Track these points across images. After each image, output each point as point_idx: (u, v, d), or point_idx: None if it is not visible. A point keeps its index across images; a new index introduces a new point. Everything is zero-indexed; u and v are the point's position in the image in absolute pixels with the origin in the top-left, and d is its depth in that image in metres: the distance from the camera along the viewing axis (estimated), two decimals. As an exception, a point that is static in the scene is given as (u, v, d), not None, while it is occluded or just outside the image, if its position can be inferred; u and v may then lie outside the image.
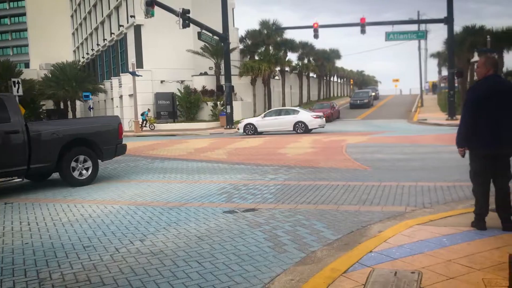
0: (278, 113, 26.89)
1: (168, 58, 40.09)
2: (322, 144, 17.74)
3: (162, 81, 40.49)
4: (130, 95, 38.19)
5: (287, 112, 26.59)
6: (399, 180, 8.80)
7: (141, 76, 36.75)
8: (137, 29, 40.83)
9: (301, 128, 24.95)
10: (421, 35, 38.49)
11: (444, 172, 9.63)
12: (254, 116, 40.16)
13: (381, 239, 4.96)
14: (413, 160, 11.83)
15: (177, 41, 39.09)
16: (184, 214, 6.80)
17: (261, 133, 26.04)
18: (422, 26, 43.06)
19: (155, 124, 36.46)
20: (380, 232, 5.28)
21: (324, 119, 26.35)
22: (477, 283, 3.67)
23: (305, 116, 25.42)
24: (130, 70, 36.14)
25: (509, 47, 37.57)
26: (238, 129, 27.03)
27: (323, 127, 26.01)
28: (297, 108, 27.55)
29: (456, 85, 35.59)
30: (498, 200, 5.11)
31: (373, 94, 57.75)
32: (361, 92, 55.91)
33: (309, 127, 24.98)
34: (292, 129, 25.21)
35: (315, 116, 25.47)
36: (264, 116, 26.79)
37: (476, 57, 39.89)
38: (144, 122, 35.65)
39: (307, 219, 6.22)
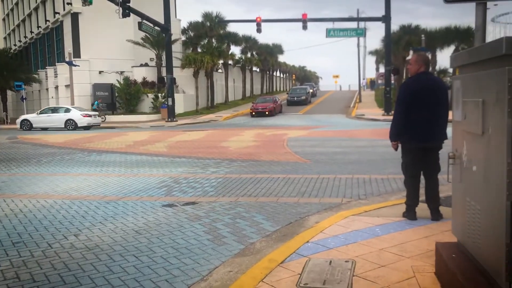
0: (52, 111, 29.62)
1: (107, 48, 38.85)
2: (264, 138, 17.90)
3: (100, 72, 39.20)
4: (67, 86, 36.73)
5: (60, 111, 29.22)
6: (337, 172, 9.06)
7: (79, 66, 35.43)
8: (74, 17, 39.22)
9: (72, 125, 27.78)
10: (360, 33, 39.64)
11: (379, 165, 10.01)
12: (196, 109, 39.92)
13: (318, 229, 5.09)
14: (350, 154, 12.20)
15: (117, 31, 37.95)
16: (122, 208, 6.65)
17: (36, 128, 28.58)
18: (362, 24, 44.35)
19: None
20: (317, 223, 5.41)
21: (98, 118, 29.63)
22: (407, 270, 3.85)
23: (76, 114, 28.16)
24: (67, 59, 34.71)
25: (442, 46, 39.45)
26: (16, 124, 29.57)
27: (99, 125, 29.20)
28: (69, 107, 29.88)
29: (392, 82, 36.94)
30: (428, 192, 5.38)
31: (311, 91, 55.02)
32: (299, 88, 54.47)
33: (79, 125, 27.79)
34: (63, 126, 27.90)
35: (84, 115, 28.24)
36: (40, 113, 29.60)
37: (411, 55, 41.71)
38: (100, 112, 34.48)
39: (247, 211, 6.26)
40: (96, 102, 34.97)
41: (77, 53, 38.46)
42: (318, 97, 58.63)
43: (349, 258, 4.16)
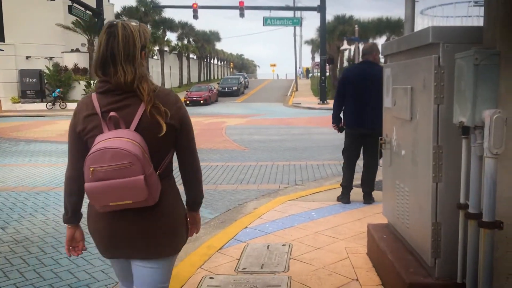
0: None
1: (35, 33, 36.69)
2: (202, 126, 17.76)
3: (28, 57, 37.02)
4: (-10, 72, 34.44)
5: None
6: (274, 159, 9.19)
7: (3, 50, 33.26)
8: (-3, -2, 36.74)
9: None
10: (296, 22, 40.13)
11: (314, 151, 10.26)
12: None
13: (256, 215, 5.15)
14: (287, 141, 12.41)
15: (45, 14, 35.89)
16: (53, 199, 6.38)
17: None
18: (298, 13, 44.94)
19: (21, 104, 33.41)
20: (255, 209, 5.48)
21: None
22: (341, 251, 3.99)
23: None
24: (-11, 43, 32.52)
25: (374, 36, 40.92)
26: None
27: None
28: None
29: (327, 71, 37.85)
30: (363, 176, 5.60)
31: (243, 81, 50.00)
32: (230, 78, 49.72)
33: None
34: None
35: None
36: None
37: (345, 45, 42.88)
38: (58, 100, 32.68)
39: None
40: (58, 90, 33.25)
41: (0, 37, 36.09)
42: (256, 86, 58.93)
43: (286, 242, 4.25)
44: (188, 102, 33.87)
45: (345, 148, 5.64)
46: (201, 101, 33.78)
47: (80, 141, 1.93)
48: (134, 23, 1.95)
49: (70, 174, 2.02)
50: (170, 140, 1.94)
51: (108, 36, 1.85)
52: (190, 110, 30.63)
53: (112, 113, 1.83)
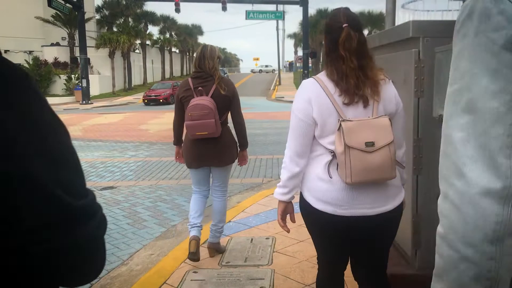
0: None
1: (13, 26, 36.08)
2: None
3: (6, 51, 36.33)
4: (-33, 66, 33.67)
5: None
6: (258, 153, 9.20)
7: (-20, 44, 32.64)
8: (-27, -10, 35.98)
9: None
10: (279, 16, 40.08)
11: (298, 145, 10.29)
12: (112, 91, 38.45)
13: (240, 209, 5.16)
14: (271, 135, 12.43)
15: (24, 7, 35.36)
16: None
17: None
18: (280, 7, 44.87)
19: None
20: (239, 203, 5.49)
21: None
22: (323, 244, 4.02)
23: None
24: (-34, 36, 31.84)
25: (356, 30, 41.25)
26: None
27: None
28: None
29: (310, 65, 37.94)
30: None
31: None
32: None
33: None
34: None
35: None
36: None
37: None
38: None
39: (168, 194, 6.20)
40: None
41: (-23, 30, 35.39)
42: (238, 80, 58.81)
43: (269, 235, 4.27)
44: (146, 101, 28.84)
45: None
46: (161, 100, 28.29)
47: (180, 103, 3.61)
48: (215, 46, 3.66)
49: (176, 119, 3.72)
50: (227, 104, 3.56)
51: (203, 48, 3.62)
52: (155, 108, 30.28)
53: (199, 88, 3.50)
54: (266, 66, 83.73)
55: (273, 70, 72.85)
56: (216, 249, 3.84)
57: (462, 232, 0.78)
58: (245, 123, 3.76)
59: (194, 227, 3.65)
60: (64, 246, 0.70)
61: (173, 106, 4.17)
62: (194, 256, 3.53)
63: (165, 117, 19.30)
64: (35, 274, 0.73)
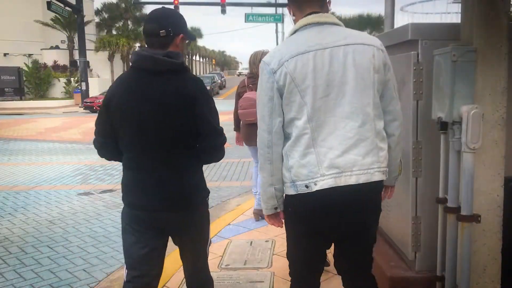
0: None
1: (13, 29, 36.07)
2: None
3: (5, 54, 36.39)
4: (-34, 69, 33.69)
5: None
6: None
7: (-20, 47, 32.66)
8: (-28, -7, 35.97)
9: None
10: (278, 19, 40.10)
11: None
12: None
13: (239, 212, 5.16)
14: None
15: (23, 11, 35.34)
16: (34, 198, 6.29)
17: None
18: (280, 10, 44.90)
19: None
20: (238, 205, 5.49)
21: None
22: (323, 246, 4.02)
23: None
24: (-35, 40, 31.83)
25: (354, 34, 41.30)
26: None
27: None
28: None
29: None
30: None
31: (219, 81, 43.88)
32: (204, 77, 39.37)
33: None
34: None
35: None
36: None
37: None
38: None
39: (167, 197, 6.19)
40: None
41: (-23, 33, 35.38)
42: (237, 83, 58.60)
43: (269, 238, 4.27)
44: (84, 107, 26.18)
45: None
46: (94, 107, 24.29)
47: (239, 97, 4.62)
48: (259, 51, 4.55)
49: (235, 110, 4.76)
50: None
51: (253, 54, 4.55)
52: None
53: (250, 85, 4.50)
54: (246, 68, 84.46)
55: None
56: (261, 215, 4.54)
57: (260, 141, 1.94)
58: None
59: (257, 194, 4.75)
60: (212, 144, 2.10)
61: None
62: None
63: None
64: (199, 155, 2.12)
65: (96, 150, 2.22)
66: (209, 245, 2.42)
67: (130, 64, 2.14)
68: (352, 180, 1.83)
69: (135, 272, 2.17)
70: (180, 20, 2.15)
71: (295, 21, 1.98)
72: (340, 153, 1.82)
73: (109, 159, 2.26)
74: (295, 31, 1.93)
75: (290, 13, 2.01)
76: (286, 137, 1.90)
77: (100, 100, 26.94)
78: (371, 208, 1.97)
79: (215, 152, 2.13)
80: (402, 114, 2.04)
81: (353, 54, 1.84)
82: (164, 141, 2.04)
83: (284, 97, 1.85)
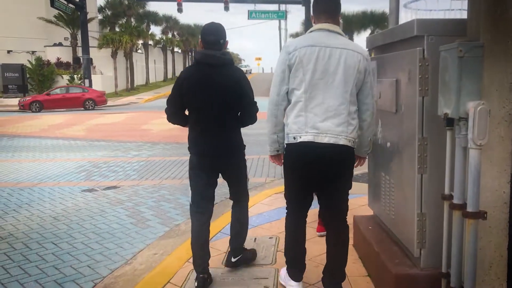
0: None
1: (17, 26, 36.08)
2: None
3: (9, 51, 36.43)
4: (-30, 66, 33.76)
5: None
6: (261, 153, 9.20)
7: (-17, 44, 32.69)
8: (-24, -10, 36.00)
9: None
10: (281, 15, 40.02)
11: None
12: (115, 91, 38.44)
13: (243, 209, 5.14)
14: (273, 135, 12.40)
15: (26, 8, 35.34)
16: (38, 194, 6.31)
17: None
18: (283, 7, 44.83)
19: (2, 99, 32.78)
20: (242, 202, 5.47)
21: None
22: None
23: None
24: (-32, 37, 31.87)
25: (359, 30, 41.06)
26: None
27: None
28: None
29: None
30: None
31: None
32: None
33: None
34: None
35: None
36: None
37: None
38: None
39: (171, 194, 6.20)
40: None
41: (-20, 30, 35.42)
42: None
43: (273, 235, 4.26)
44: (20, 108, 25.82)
45: None
46: (19, 107, 25.27)
47: None
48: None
49: None
50: None
51: None
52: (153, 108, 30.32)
53: None
54: (247, 66, 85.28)
55: (250, 71, 73.12)
56: None
57: (270, 100, 2.79)
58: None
59: None
60: (250, 110, 3.21)
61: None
62: None
63: (167, 117, 19.29)
64: (241, 119, 3.25)
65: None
66: (248, 180, 3.53)
67: (195, 59, 3.13)
68: (325, 140, 2.62)
69: (200, 208, 3.29)
70: (225, 31, 3.18)
71: (314, 23, 2.80)
72: (321, 120, 2.63)
73: (175, 123, 3.29)
74: (311, 31, 2.75)
75: (312, 21, 2.84)
76: (288, 101, 2.74)
77: (26, 99, 27.43)
78: (336, 163, 2.70)
79: (252, 116, 3.22)
80: (375, 106, 2.80)
81: (346, 56, 2.62)
82: (220, 110, 3.07)
83: (292, 72, 2.68)
